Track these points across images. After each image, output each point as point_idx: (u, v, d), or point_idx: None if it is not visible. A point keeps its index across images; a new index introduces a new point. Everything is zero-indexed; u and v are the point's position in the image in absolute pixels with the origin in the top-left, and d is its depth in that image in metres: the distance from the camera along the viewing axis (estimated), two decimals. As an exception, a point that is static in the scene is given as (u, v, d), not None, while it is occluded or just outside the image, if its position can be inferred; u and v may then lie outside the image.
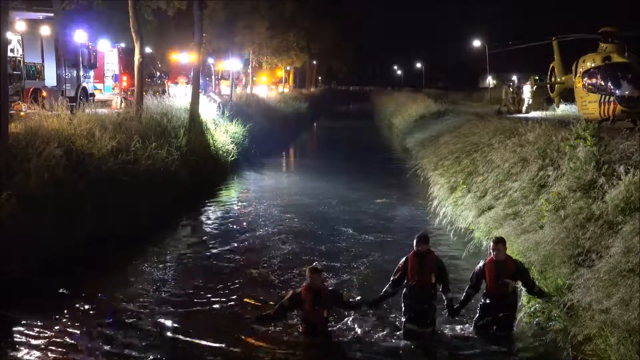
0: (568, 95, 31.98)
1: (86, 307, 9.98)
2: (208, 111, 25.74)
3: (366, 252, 13.18)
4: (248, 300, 10.30)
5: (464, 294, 8.93)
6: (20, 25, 20.69)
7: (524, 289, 8.92)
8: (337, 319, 9.10)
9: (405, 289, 8.76)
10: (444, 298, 8.84)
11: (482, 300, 8.84)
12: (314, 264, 9.87)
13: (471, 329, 8.91)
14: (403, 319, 8.80)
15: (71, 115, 16.49)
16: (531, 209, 11.55)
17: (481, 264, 8.85)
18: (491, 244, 8.89)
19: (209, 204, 18.92)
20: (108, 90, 28.82)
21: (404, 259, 8.83)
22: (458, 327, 9.03)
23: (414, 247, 8.80)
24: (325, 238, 14.57)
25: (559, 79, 33.18)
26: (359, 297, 9.42)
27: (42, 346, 8.51)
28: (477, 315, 8.90)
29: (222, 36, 37.23)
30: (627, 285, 7.48)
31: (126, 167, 15.86)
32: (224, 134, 25.04)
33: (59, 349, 8.44)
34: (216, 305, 10.18)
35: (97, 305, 10.09)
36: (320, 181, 23.43)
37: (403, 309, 8.80)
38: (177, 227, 15.76)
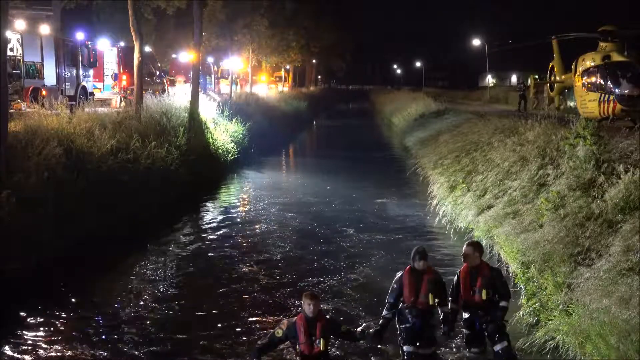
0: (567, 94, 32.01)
1: (85, 306, 10.00)
2: (208, 110, 25.73)
3: (367, 252, 13.18)
4: (252, 318, 10.09)
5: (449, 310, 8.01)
6: (19, 24, 20.66)
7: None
8: (334, 344, 8.25)
9: (400, 308, 7.82)
10: (440, 312, 7.89)
11: (463, 315, 8.04)
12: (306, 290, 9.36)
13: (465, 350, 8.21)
14: (400, 342, 7.85)
15: (71, 114, 16.52)
16: (531, 207, 11.55)
17: (457, 275, 8.08)
18: (464, 247, 8.18)
19: (208, 203, 18.94)
20: (107, 89, 28.76)
21: (398, 276, 7.86)
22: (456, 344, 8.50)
23: (411, 263, 7.86)
24: (325, 237, 14.57)
25: (558, 78, 33.15)
26: (361, 326, 8.11)
27: (42, 345, 8.52)
28: (464, 334, 8.15)
29: (221, 35, 37.21)
30: (626, 284, 7.50)
31: (126, 166, 15.90)
32: (224, 133, 25.04)
33: (59, 348, 8.46)
34: (215, 306, 10.18)
35: (96, 304, 10.11)
36: (320, 180, 23.41)
37: (398, 331, 7.90)
38: (177, 227, 15.74)
